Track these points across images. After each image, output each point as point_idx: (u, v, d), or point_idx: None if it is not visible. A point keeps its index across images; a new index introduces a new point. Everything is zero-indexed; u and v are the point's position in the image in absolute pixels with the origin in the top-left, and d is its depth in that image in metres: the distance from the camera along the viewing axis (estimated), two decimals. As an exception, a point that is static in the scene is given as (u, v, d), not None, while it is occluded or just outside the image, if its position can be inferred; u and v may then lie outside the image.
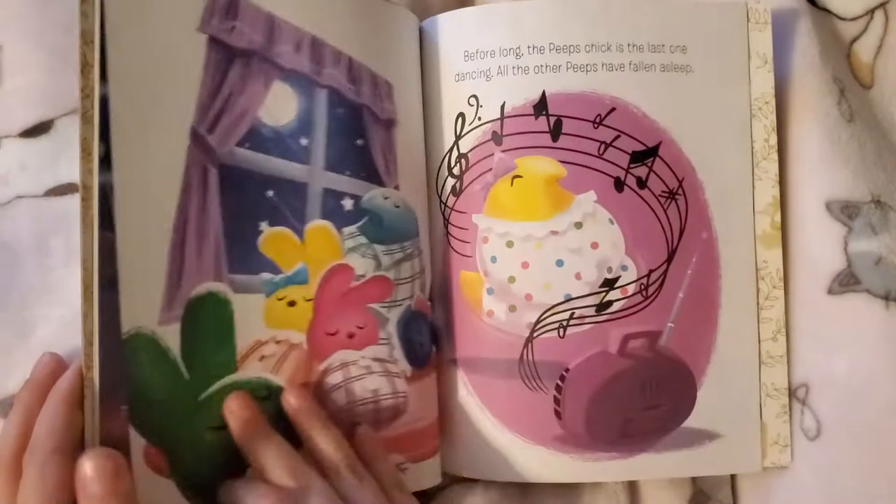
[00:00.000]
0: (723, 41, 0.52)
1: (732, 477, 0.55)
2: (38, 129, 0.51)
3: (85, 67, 0.40)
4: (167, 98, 0.43)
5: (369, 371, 0.49)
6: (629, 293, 0.51)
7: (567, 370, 0.50)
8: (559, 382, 0.50)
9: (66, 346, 0.47)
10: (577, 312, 0.50)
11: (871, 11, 0.57)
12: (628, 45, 0.51)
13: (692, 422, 0.51)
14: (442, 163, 0.53)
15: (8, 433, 0.41)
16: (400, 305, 0.50)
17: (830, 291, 0.50)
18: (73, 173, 0.51)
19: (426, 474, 0.51)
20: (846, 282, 0.50)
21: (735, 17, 0.52)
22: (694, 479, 0.55)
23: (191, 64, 0.44)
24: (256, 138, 0.46)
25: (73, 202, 0.50)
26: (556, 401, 0.50)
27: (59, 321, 0.49)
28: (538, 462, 0.51)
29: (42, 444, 0.39)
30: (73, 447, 0.39)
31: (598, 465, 0.51)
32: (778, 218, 0.52)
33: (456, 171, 0.52)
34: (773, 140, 0.52)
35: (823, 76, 0.53)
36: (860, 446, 0.48)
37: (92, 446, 0.39)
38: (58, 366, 0.45)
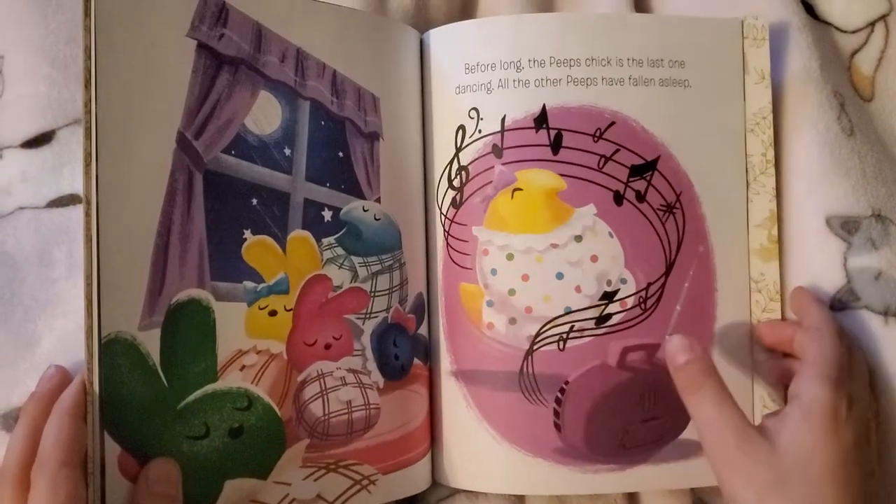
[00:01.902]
0: (719, 57, 0.54)
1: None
2: (39, 140, 0.52)
3: (88, 81, 0.42)
4: (154, 101, 0.44)
5: (344, 382, 0.50)
6: (628, 306, 0.52)
7: (567, 383, 0.51)
8: (559, 395, 0.51)
9: (71, 359, 0.48)
10: (577, 325, 0.52)
11: (872, 24, 0.59)
12: (628, 59, 0.52)
13: (688, 433, 0.52)
14: (442, 175, 0.54)
15: (14, 446, 0.43)
16: (376, 317, 0.52)
17: (831, 308, 0.51)
18: (74, 184, 0.52)
19: (400, 485, 0.53)
20: (846, 298, 0.51)
21: (731, 33, 0.54)
22: (693, 488, 0.55)
23: (179, 68, 0.45)
24: (242, 146, 0.47)
25: (75, 213, 0.52)
26: (556, 413, 0.51)
27: (63, 333, 0.50)
28: (537, 474, 0.52)
29: (50, 458, 0.40)
30: (81, 460, 0.41)
31: (596, 476, 0.52)
32: (775, 231, 0.53)
33: (456, 183, 0.53)
34: (771, 155, 0.54)
35: (824, 90, 0.54)
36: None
37: (94, 460, 0.41)
38: (63, 378, 0.46)
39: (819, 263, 0.52)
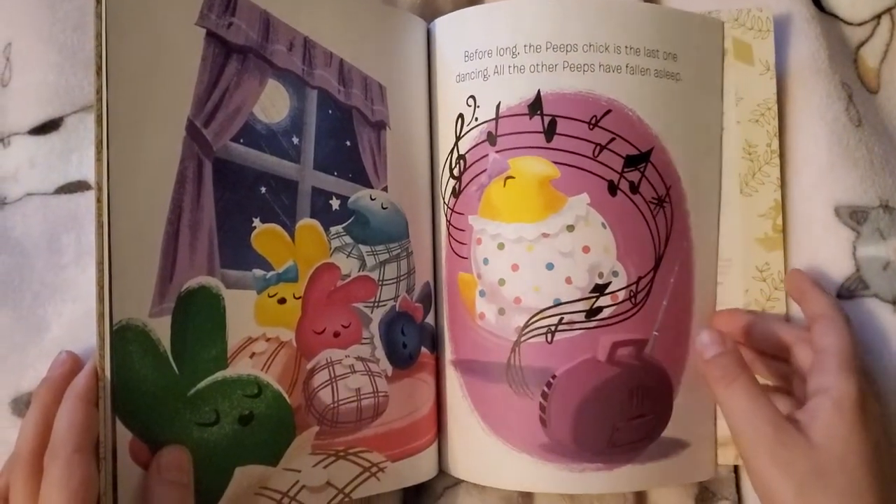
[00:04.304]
0: (705, 53, 0.55)
1: (737, 474, 0.57)
2: (47, 127, 0.54)
3: (100, 68, 0.43)
4: (164, 89, 0.45)
5: (353, 370, 0.52)
6: (619, 299, 0.52)
7: (554, 377, 0.52)
8: (545, 389, 0.52)
9: (80, 344, 0.50)
10: (567, 318, 0.52)
11: (878, 17, 0.59)
12: (626, 47, 0.52)
13: (668, 431, 0.53)
14: (444, 164, 0.55)
15: (26, 431, 0.44)
16: (384, 306, 0.54)
17: (839, 296, 0.53)
18: (82, 171, 0.54)
19: (408, 473, 0.55)
20: (854, 287, 0.53)
21: (714, 29, 0.55)
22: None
23: (188, 57, 0.47)
24: (251, 134, 0.49)
25: (84, 200, 0.54)
26: (542, 408, 0.52)
27: (72, 319, 0.52)
28: (523, 469, 0.53)
29: (63, 443, 0.41)
30: (94, 445, 0.43)
31: (583, 475, 0.52)
32: (780, 221, 0.54)
33: (456, 172, 0.54)
34: (775, 145, 0.54)
35: (832, 81, 0.55)
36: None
37: (105, 445, 0.43)
38: (74, 364, 0.48)
39: (827, 252, 0.53)
